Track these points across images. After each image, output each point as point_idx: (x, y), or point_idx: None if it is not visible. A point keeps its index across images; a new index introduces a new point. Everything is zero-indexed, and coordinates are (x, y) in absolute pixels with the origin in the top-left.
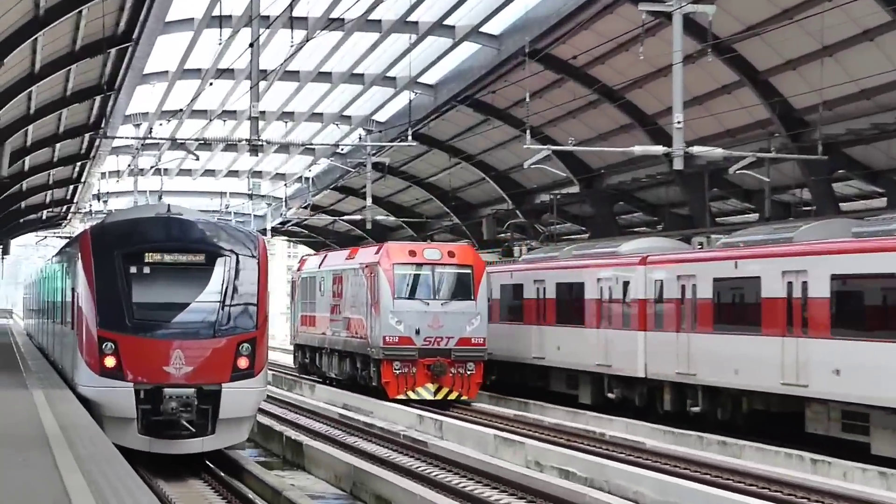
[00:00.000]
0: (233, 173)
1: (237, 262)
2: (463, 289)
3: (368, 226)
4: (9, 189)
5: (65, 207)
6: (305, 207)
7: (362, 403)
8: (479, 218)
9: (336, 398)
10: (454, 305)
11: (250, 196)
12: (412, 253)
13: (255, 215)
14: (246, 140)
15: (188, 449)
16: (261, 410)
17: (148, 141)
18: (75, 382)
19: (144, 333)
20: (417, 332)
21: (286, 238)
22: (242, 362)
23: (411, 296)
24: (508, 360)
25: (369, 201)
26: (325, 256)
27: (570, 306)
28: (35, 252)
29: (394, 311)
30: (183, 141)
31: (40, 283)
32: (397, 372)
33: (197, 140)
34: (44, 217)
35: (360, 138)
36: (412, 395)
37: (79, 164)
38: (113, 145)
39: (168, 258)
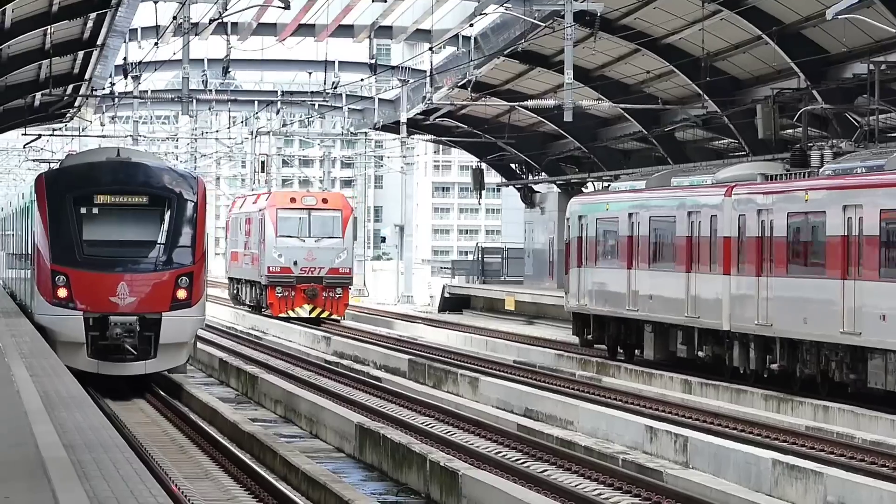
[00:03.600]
0: (344, 31)
1: (178, 203)
2: (333, 228)
3: (568, 116)
4: None
5: (71, 88)
6: (464, 87)
7: (556, 408)
8: (752, 104)
9: (512, 400)
10: (325, 242)
11: (373, 68)
12: (293, 199)
13: (379, 99)
14: None
15: (132, 371)
16: (389, 420)
17: None
18: (32, 312)
19: (93, 268)
20: (295, 263)
21: (432, 138)
22: (181, 293)
23: (291, 234)
24: None
25: (570, 76)
26: (244, 200)
27: None
28: (21, 163)
29: (276, 247)
30: None
31: (5, 221)
32: (279, 295)
33: None
34: (37, 104)
35: None
36: (291, 314)
37: (93, 16)
38: None
39: (115, 200)
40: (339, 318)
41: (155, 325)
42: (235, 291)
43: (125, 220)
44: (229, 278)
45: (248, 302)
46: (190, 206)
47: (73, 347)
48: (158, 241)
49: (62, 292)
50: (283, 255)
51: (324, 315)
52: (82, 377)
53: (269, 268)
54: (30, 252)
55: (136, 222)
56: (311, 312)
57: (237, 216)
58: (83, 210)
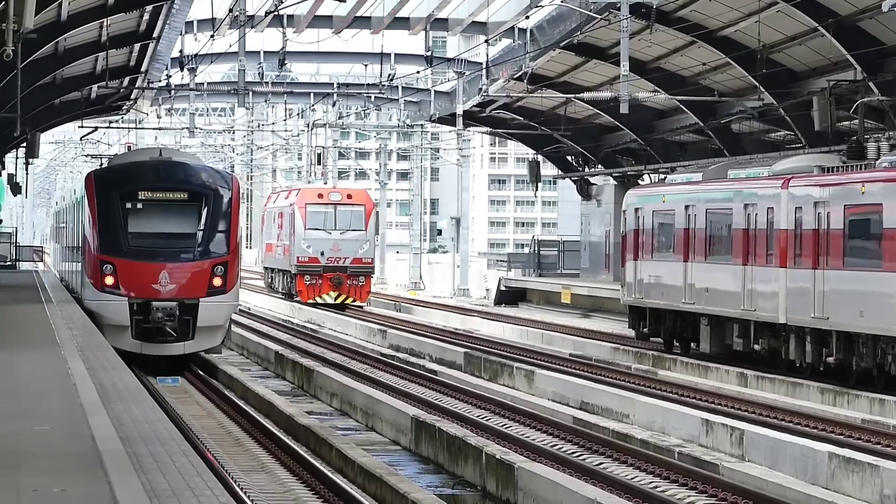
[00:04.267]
0: (400, 23)
1: (214, 198)
2: (356, 222)
3: (623, 108)
4: (37, 51)
5: (127, 80)
6: (520, 79)
7: (611, 401)
8: (808, 95)
9: (568, 393)
10: (349, 234)
11: (429, 60)
12: (320, 195)
13: (435, 92)
14: None
15: (172, 351)
16: (447, 414)
17: None
18: (82, 298)
19: (137, 257)
20: (322, 253)
21: (488, 130)
22: (217, 281)
23: (318, 227)
24: None
25: (626, 68)
26: (277, 196)
27: None
28: (77, 155)
29: (305, 239)
30: None
31: (59, 215)
32: (308, 283)
33: None
34: (93, 96)
35: None
36: (319, 300)
37: (149, 8)
38: None
39: (157, 196)
40: (361, 304)
41: (193, 309)
42: (270, 280)
43: (166, 214)
44: (264, 268)
45: (280, 289)
46: (225, 201)
47: (119, 330)
48: (196, 234)
49: (109, 280)
50: (311, 246)
51: (348, 301)
52: (127, 357)
53: (298, 258)
54: (80, 244)
55: (177, 216)
56: (336, 299)
57: (271, 210)
58: (128, 205)
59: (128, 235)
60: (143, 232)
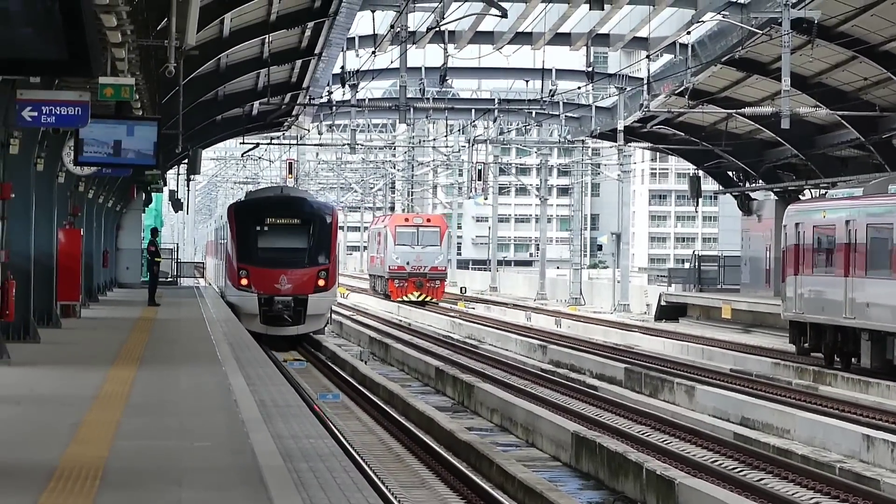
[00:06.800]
0: (561, 39)
1: (319, 223)
2: (433, 239)
3: (785, 124)
4: (199, 67)
5: (289, 96)
6: (681, 94)
7: (772, 416)
8: None
9: (728, 408)
10: (428, 249)
11: (590, 76)
12: (406, 219)
13: (596, 107)
14: None
15: (288, 332)
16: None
17: None
18: (224, 294)
19: (264, 265)
20: (408, 263)
21: (649, 146)
22: (321, 282)
23: (405, 243)
24: None
25: (787, 83)
26: (377, 221)
27: None
28: (238, 172)
29: (395, 252)
30: None
31: (215, 232)
32: (397, 285)
33: None
34: (255, 112)
35: None
36: (405, 298)
37: (310, 25)
38: None
39: (279, 221)
40: (437, 301)
41: (304, 303)
42: (373, 284)
43: (285, 234)
44: (369, 275)
45: (379, 291)
46: (327, 224)
47: (251, 317)
48: (306, 248)
49: (244, 281)
50: (399, 257)
51: (427, 299)
52: (256, 337)
53: (389, 266)
54: (224, 256)
55: (292, 235)
56: (418, 297)
57: (373, 231)
58: (258, 228)
59: (258, 249)
60: (268, 247)
